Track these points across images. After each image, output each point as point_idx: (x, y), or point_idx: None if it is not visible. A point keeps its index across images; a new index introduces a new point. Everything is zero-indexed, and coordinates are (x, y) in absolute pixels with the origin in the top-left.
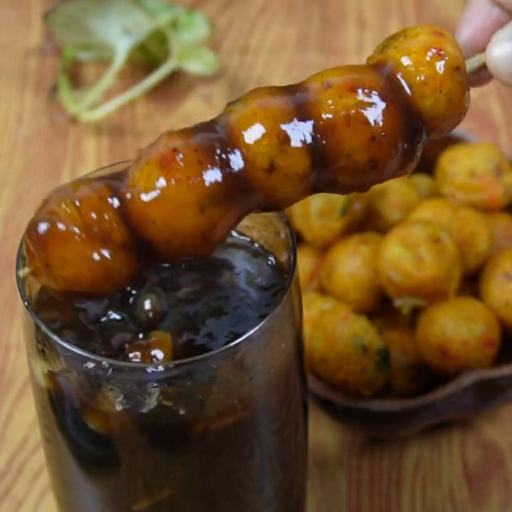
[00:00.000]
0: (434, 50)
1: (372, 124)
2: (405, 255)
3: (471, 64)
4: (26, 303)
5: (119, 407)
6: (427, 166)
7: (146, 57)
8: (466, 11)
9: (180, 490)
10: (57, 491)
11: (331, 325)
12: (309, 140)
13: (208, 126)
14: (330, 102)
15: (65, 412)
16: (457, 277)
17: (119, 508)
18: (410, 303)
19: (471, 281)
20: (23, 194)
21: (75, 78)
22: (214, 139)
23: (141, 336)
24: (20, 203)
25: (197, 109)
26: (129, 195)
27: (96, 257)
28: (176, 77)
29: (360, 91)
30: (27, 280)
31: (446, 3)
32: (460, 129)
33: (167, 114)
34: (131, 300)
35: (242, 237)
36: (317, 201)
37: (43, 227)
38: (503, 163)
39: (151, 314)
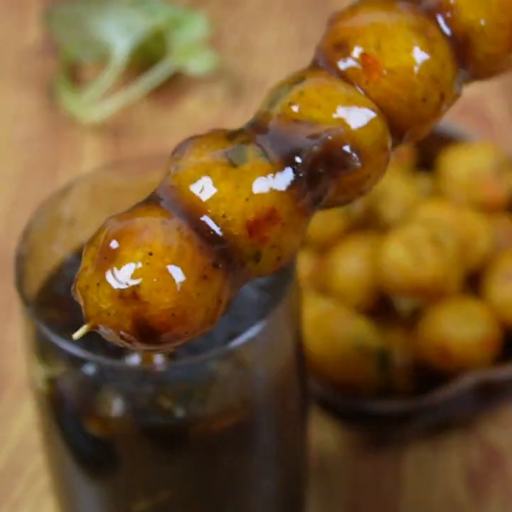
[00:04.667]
0: None
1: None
2: (405, 255)
3: None
4: (25, 304)
5: (118, 409)
6: (428, 166)
7: (146, 57)
8: None
9: (180, 491)
10: (57, 492)
11: (331, 325)
12: None
13: None
14: None
15: (64, 413)
16: (458, 277)
17: (119, 510)
18: (410, 303)
19: (472, 281)
20: (22, 194)
21: (74, 78)
22: None
23: None
24: (19, 203)
25: (197, 109)
26: None
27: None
28: (176, 77)
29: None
30: (26, 280)
31: None
32: (460, 129)
33: (167, 114)
34: None
35: None
36: None
37: None
38: (504, 162)
39: None
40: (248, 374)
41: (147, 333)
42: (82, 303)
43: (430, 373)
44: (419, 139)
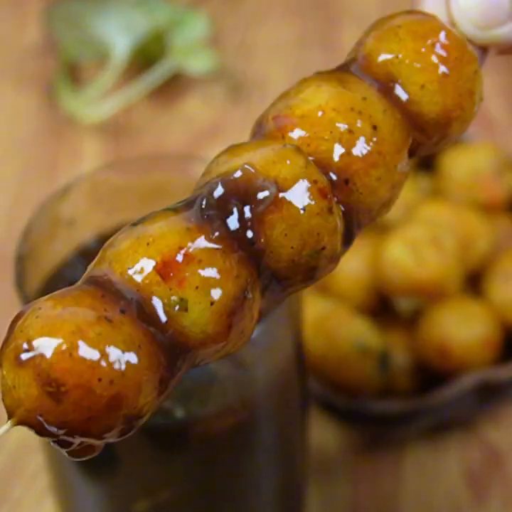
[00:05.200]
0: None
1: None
2: (406, 255)
3: None
4: (25, 304)
5: None
6: (428, 166)
7: (146, 56)
8: None
9: (180, 491)
10: (57, 492)
11: (331, 325)
12: None
13: None
14: None
15: None
16: (458, 277)
17: (119, 510)
18: (411, 303)
19: (472, 281)
20: (22, 194)
21: (74, 78)
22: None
23: None
24: (19, 203)
25: (197, 109)
26: None
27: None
28: (176, 77)
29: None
30: (26, 280)
31: None
32: None
33: (167, 114)
34: None
35: None
36: None
37: None
38: (504, 163)
39: None
40: (248, 374)
41: (55, 390)
42: (3, 403)
43: (430, 373)
44: (375, 192)
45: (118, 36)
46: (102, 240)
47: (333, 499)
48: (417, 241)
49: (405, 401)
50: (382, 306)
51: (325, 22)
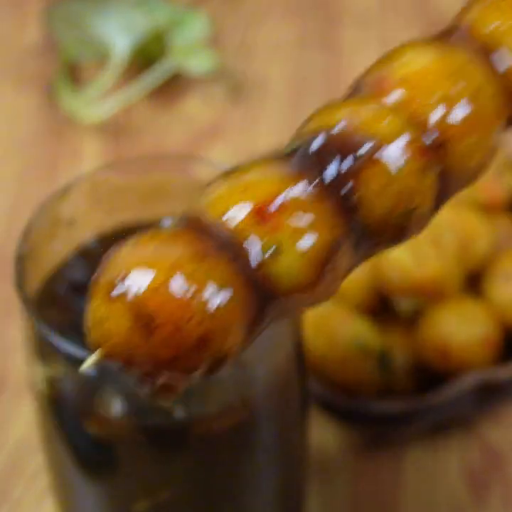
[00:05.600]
0: None
1: None
2: (406, 255)
3: None
4: (25, 304)
5: (118, 409)
6: None
7: (146, 56)
8: None
9: (180, 491)
10: (57, 492)
11: (331, 325)
12: None
13: None
14: None
15: (64, 414)
16: (458, 277)
17: (119, 510)
18: (411, 303)
19: (472, 281)
20: (22, 194)
21: (74, 78)
22: None
23: None
24: (19, 203)
25: (197, 109)
26: None
27: None
28: (176, 77)
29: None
30: (26, 280)
31: (446, 0)
32: None
33: (167, 114)
34: None
35: None
36: None
37: None
38: (504, 163)
39: None
40: (248, 374)
41: (146, 325)
42: (89, 336)
43: (430, 373)
44: (468, 158)
45: (118, 36)
46: (102, 240)
47: (333, 499)
48: (417, 241)
49: (405, 401)
50: (382, 306)
51: (325, 22)
